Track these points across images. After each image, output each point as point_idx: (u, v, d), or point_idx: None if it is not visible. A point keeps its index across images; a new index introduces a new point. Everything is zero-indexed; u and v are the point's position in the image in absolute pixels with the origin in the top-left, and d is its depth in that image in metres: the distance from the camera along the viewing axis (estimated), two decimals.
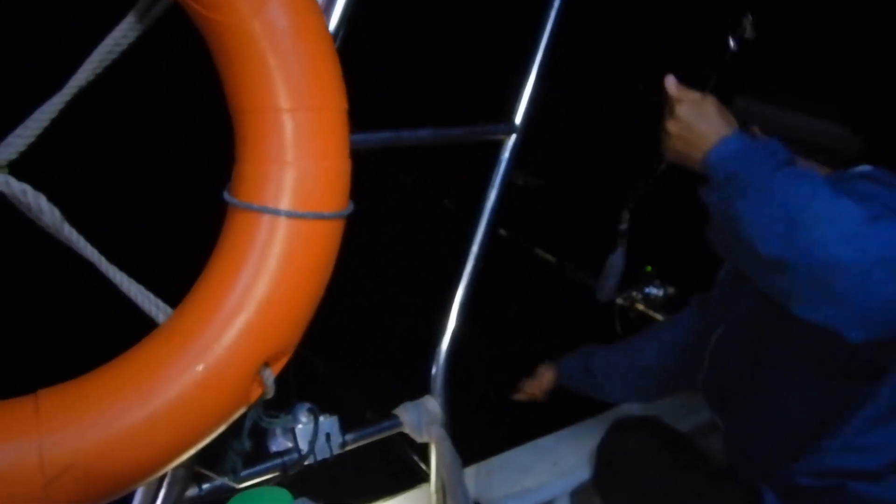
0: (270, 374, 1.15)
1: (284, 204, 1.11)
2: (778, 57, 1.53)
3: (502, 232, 2.56)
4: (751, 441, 1.64)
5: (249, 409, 1.19)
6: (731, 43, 1.53)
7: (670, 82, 1.35)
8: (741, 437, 1.68)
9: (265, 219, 1.10)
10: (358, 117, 1.23)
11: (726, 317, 1.71)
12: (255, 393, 1.15)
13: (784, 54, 1.53)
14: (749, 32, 1.51)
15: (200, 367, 1.07)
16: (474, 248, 1.62)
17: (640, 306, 2.22)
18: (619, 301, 2.25)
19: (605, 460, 1.92)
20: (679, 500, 1.73)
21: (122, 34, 1.13)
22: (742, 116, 1.45)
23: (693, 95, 1.33)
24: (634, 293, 2.24)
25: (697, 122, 1.30)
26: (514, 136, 1.64)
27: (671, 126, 1.33)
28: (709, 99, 1.32)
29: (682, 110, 1.32)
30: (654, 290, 2.22)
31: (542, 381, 2.14)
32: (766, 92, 1.49)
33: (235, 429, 1.24)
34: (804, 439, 1.48)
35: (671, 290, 2.28)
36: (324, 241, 1.15)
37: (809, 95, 1.45)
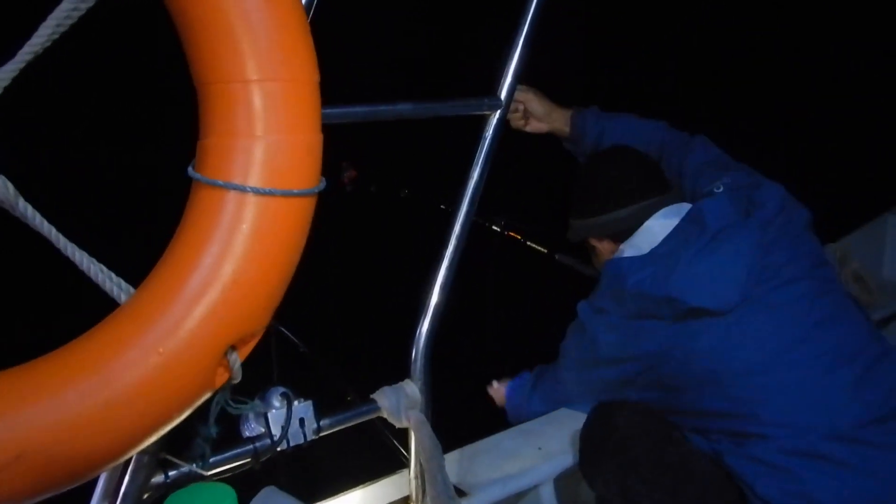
0: (237, 359, 1.10)
1: (252, 180, 1.05)
2: (579, 186, 1.96)
3: (494, 228, 2.57)
4: None
5: (216, 394, 1.14)
6: None
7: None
8: None
9: (231, 196, 1.05)
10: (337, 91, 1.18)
11: None
12: (221, 377, 1.10)
13: (579, 183, 1.96)
14: None
15: (162, 351, 1.02)
16: (456, 229, 1.57)
17: None
18: None
19: (593, 436, 1.88)
20: (669, 471, 1.72)
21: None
22: (582, 233, 1.96)
23: None
24: None
25: None
26: (499, 112, 1.59)
27: None
28: None
29: None
30: None
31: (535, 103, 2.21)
32: (583, 210, 1.93)
33: (203, 414, 1.19)
34: None
35: None
36: (293, 219, 1.10)
37: (608, 199, 1.88)
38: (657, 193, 1.85)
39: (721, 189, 1.81)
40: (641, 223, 1.83)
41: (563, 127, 2.26)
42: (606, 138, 2.23)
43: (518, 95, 2.11)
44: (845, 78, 5.17)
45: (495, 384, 2.25)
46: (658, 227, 1.79)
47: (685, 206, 1.82)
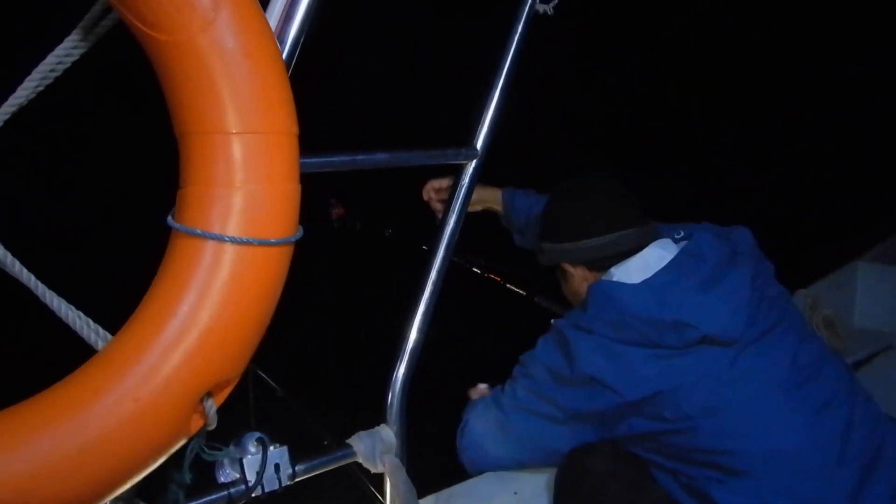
0: (212, 405, 1.11)
1: (230, 230, 1.07)
2: (556, 210, 1.95)
3: (475, 270, 2.62)
4: None
5: (191, 440, 1.15)
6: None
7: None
8: None
9: (209, 245, 1.07)
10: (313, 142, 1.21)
11: None
12: (197, 424, 1.11)
13: (557, 207, 1.95)
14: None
15: (138, 397, 1.02)
16: (432, 275, 1.60)
17: None
18: None
19: (567, 482, 1.89)
20: None
21: (66, 52, 1.10)
22: (555, 257, 1.93)
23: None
24: None
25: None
26: (475, 161, 1.62)
27: None
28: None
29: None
30: None
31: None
32: (559, 235, 1.91)
33: (178, 460, 1.19)
34: None
35: None
36: (270, 267, 1.12)
37: (587, 225, 1.86)
38: (637, 224, 1.84)
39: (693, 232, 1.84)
40: (620, 252, 1.82)
41: (495, 205, 2.44)
42: (535, 211, 2.31)
43: (445, 185, 2.33)
44: (821, 121, 5.27)
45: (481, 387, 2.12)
46: (654, 259, 1.78)
47: (672, 243, 1.84)
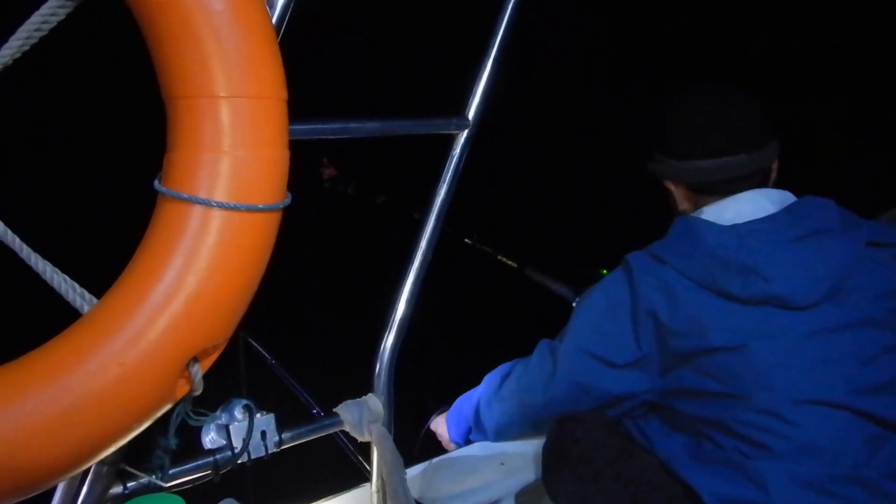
0: (199, 371, 1.11)
1: (218, 195, 1.06)
2: (668, 119, 1.81)
3: (466, 240, 2.59)
4: None
5: (176, 405, 1.15)
6: None
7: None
8: None
9: (196, 209, 1.06)
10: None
11: None
12: (182, 389, 1.11)
13: (669, 116, 1.80)
14: None
15: (123, 361, 1.02)
16: (422, 245, 1.59)
17: None
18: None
19: (555, 449, 1.89)
20: (631, 484, 1.71)
21: (51, 12, 1.07)
22: (657, 170, 1.82)
23: None
24: None
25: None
26: (466, 131, 1.61)
27: None
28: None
29: None
30: None
31: None
32: (665, 149, 1.80)
33: (163, 425, 1.19)
34: None
35: None
36: (258, 234, 1.11)
37: (693, 145, 1.75)
38: (750, 149, 1.71)
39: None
40: (725, 179, 1.72)
41: None
42: None
43: None
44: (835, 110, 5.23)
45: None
46: (752, 206, 1.69)
47: (787, 195, 1.73)
